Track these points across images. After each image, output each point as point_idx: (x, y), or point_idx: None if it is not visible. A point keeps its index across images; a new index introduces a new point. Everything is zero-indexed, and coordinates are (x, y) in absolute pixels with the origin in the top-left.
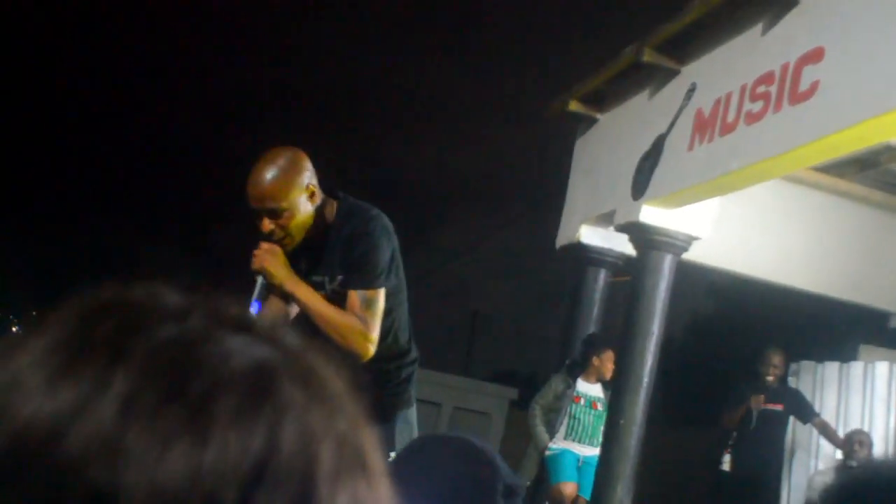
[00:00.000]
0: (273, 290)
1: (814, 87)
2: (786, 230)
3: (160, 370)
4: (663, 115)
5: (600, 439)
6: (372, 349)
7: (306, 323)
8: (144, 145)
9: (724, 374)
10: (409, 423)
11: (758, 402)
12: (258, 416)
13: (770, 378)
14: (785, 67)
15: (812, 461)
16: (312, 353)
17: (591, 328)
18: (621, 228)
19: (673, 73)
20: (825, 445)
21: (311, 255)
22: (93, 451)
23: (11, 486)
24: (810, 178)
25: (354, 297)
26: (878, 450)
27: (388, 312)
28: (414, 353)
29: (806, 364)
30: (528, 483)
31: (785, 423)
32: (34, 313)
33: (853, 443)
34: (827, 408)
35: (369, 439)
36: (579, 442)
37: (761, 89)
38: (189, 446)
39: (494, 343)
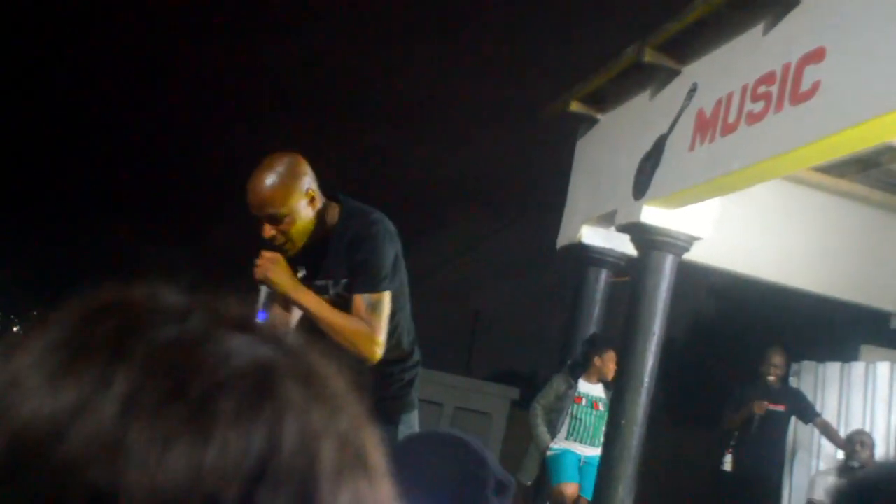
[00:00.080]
0: (277, 298)
1: (815, 88)
2: (787, 230)
3: (160, 370)
4: (664, 115)
5: (602, 439)
6: (379, 352)
7: (310, 329)
8: (145, 145)
9: (726, 374)
10: (412, 426)
11: (760, 408)
12: (259, 416)
13: (771, 378)
14: (786, 67)
15: (813, 461)
16: (313, 353)
17: (593, 328)
18: (622, 229)
19: (674, 74)
20: (826, 446)
21: (313, 259)
22: (93, 451)
23: (11, 486)
24: (811, 178)
25: (360, 300)
26: (880, 450)
27: (391, 315)
28: (417, 356)
29: (807, 364)
30: (530, 483)
31: (786, 424)
32: (35, 313)
33: (854, 443)
34: (828, 408)
35: (371, 438)
36: (581, 442)
37: (762, 89)
38: (190, 446)
39: (495, 343)
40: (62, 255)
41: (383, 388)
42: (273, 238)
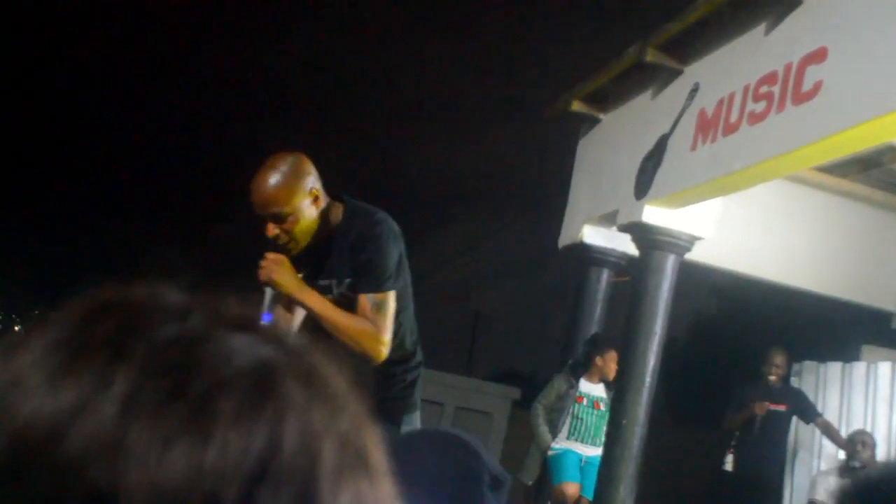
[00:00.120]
0: (281, 299)
1: (817, 88)
2: (788, 230)
3: (161, 370)
4: (666, 115)
5: (603, 439)
6: (385, 352)
7: (313, 329)
8: (146, 145)
9: (727, 374)
10: (414, 427)
11: (762, 408)
12: (259, 416)
13: (772, 378)
14: (788, 67)
15: (814, 461)
16: (314, 352)
17: (594, 328)
18: (624, 228)
19: (676, 73)
20: (828, 446)
21: (316, 258)
22: (93, 451)
23: (11, 486)
24: (813, 178)
25: (364, 300)
26: (881, 450)
27: (395, 314)
28: (419, 357)
29: (808, 364)
30: (531, 483)
31: (788, 424)
32: (37, 313)
33: (856, 443)
34: (829, 408)
35: (372, 438)
36: (582, 442)
37: (764, 89)
38: (190, 446)
39: (496, 343)
40: (63, 254)
41: (386, 388)
42: (276, 237)
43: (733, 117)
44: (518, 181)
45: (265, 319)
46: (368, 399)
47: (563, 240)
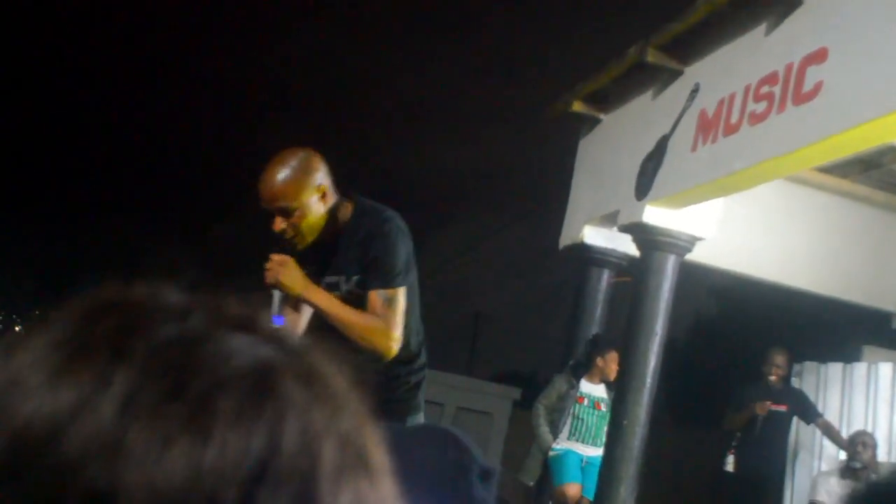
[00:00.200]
0: (289, 300)
1: (817, 88)
2: (789, 231)
3: (160, 370)
4: (667, 115)
5: (603, 440)
6: (396, 348)
7: (320, 327)
8: (146, 144)
9: (728, 374)
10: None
11: (763, 408)
12: (259, 416)
13: (773, 378)
14: (789, 68)
15: (815, 462)
16: (315, 352)
17: (595, 328)
18: (625, 229)
19: (676, 74)
20: (828, 446)
21: (325, 255)
22: (92, 451)
23: (11, 486)
24: (814, 178)
25: (375, 296)
26: (882, 451)
27: (405, 313)
28: (423, 359)
29: (809, 365)
30: (532, 483)
31: (788, 424)
32: (37, 313)
33: (856, 444)
34: (830, 408)
35: (372, 438)
36: (582, 442)
37: (765, 90)
38: (189, 446)
39: (497, 343)
40: (64, 254)
41: (390, 390)
42: (283, 231)
43: (734, 118)
44: (519, 181)
45: (276, 322)
46: (371, 400)
47: (564, 240)
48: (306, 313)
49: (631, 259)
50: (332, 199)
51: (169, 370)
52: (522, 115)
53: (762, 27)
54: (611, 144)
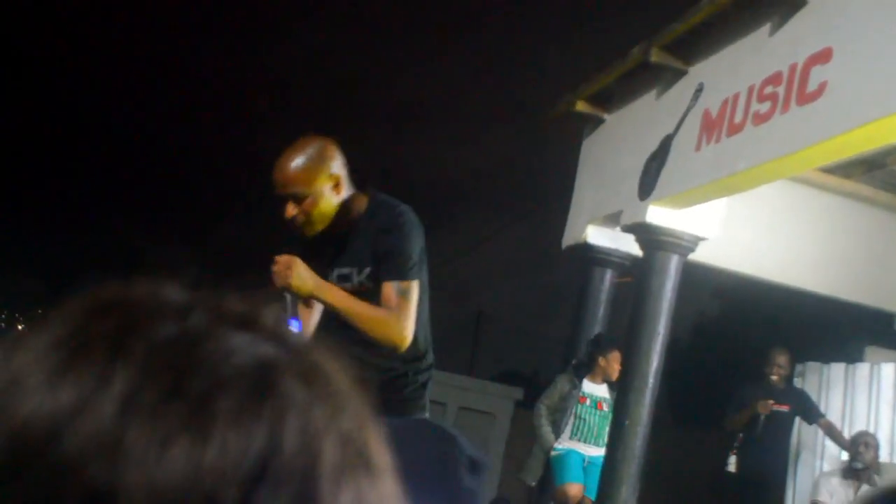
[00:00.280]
0: (303, 300)
1: (822, 88)
2: (792, 231)
3: (160, 368)
4: (670, 115)
5: (605, 440)
6: (408, 340)
7: (329, 322)
8: (149, 144)
9: (730, 375)
10: None
11: (765, 408)
12: (259, 415)
13: (774, 378)
14: (793, 68)
15: (817, 462)
16: (316, 350)
17: (597, 328)
18: (628, 229)
19: (680, 74)
20: (830, 447)
21: (338, 246)
22: (92, 451)
23: (10, 486)
24: (817, 178)
25: (389, 288)
26: (884, 451)
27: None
28: (430, 359)
29: (812, 365)
30: (534, 483)
31: (791, 424)
32: (39, 311)
33: (859, 444)
34: (832, 409)
35: (374, 437)
36: (584, 442)
37: (769, 90)
38: (189, 445)
39: (499, 343)
40: (67, 253)
41: (397, 389)
42: (294, 218)
43: (738, 118)
44: (521, 181)
45: (291, 324)
46: (377, 399)
47: (567, 240)
48: (318, 308)
49: (634, 259)
50: (345, 189)
51: (169, 369)
52: (525, 114)
53: (766, 27)
54: (614, 144)
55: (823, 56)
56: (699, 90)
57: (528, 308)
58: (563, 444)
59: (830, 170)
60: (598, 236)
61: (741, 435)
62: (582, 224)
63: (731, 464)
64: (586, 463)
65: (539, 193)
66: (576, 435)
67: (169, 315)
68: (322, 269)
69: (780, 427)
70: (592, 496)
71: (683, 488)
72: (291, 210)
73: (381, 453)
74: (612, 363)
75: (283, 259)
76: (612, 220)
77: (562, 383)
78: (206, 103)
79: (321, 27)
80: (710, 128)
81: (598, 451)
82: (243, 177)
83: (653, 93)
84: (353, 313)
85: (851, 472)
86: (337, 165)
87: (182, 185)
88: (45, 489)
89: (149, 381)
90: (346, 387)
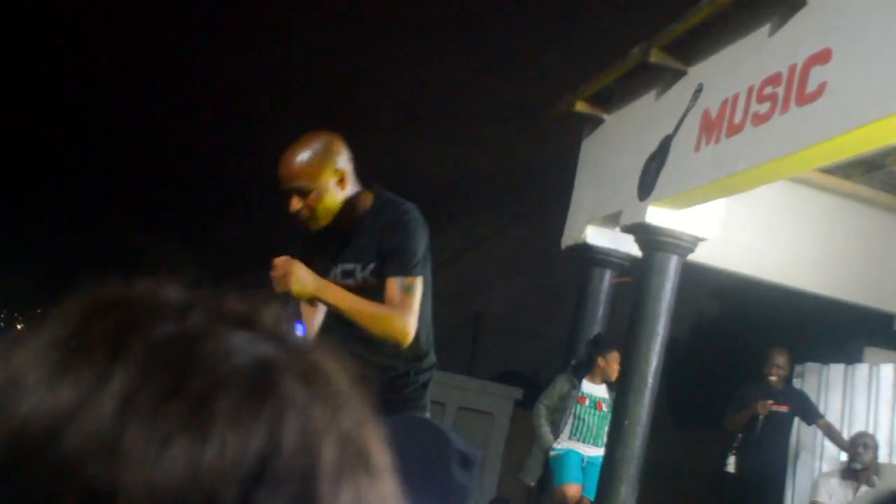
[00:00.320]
0: (306, 301)
1: (821, 89)
2: (792, 232)
3: (159, 368)
4: (670, 115)
5: (605, 440)
6: (411, 335)
7: (335, 316)
8: (149, 142)
9: (729, 375)
10: None
11: (764, 408)
12: (258, 415)
13: (773, 378)
14: (792, 68)
15: (816, 463)
16: (316, 349)
17: (597, 329)
18: (627, 229)
19: (680, 74)
20: (829, 447)
21: (342, 241)
22: (90, 450)
23: (8, 485)
24: (817, 179)
25: (393, 283)
26: (883, 452)
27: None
28: (432, 359)
29: (811, 366)
30: (533, 483)
31: (790, 425)
32: (39, 311)
33: (857, 445)
34: (832, 409)
35: (374, 437)
36: (584, 442)
37: (768, 90)
38: (188, 445)
39: (498, 343)
40: (66, 252)
41: (398, 389)
42: (298, 212)
43: (737, 118)
44: (521, 181)
45: (298, 329)
46: (378, 398)
47: (566, 240)
48: (322, 308)
49: (633, 259)
50: (350, 184)
51: (168, 369)
52: (525, 114)
53: (766, 28)
54: (614, 144)
55: (823, 56)
56: (699, 90)
57: (528, 308)
58: (562, 444)
59: (830, 170)
60: (598, 236)
61: (740, 435)
62: (581, 224)
63: (731, 464)
64: (585, 463)
65: (539, 193)
66: (575, 435)
67: (168, 314)
68: (326, 264)
69: (780, 427)
70: (591, 496)
71: (682, 488)
72: (296, 204)
73: (381, 453)
74: (612, 363)
75: (280, 263)
76: (611, 220)
77: (561, 383)
78: (206, 102)
79: (321, 27)
80: (710, 128)
81: (597, 451)
82: (243, 176)
83: (652, 93)
84: (355, 312)
85: (850, 473)
86: (343, 160)
87: (182, 185)
88: (45, 489)
89: (148, 381)
90: (345, 386)
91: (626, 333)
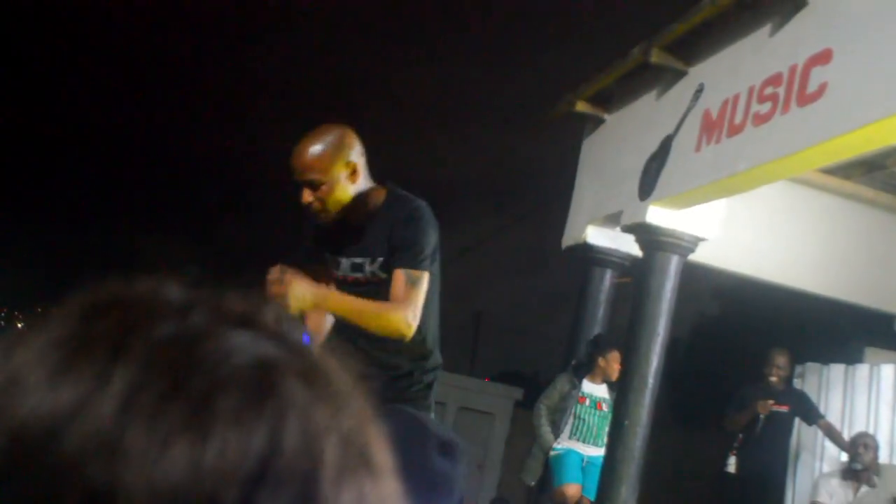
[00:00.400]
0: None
1: (822, 89)
2: (792, 232)
3: (160, 367)
4: (671, 115)
5: (605, 440)
6: (413, 328)
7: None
8: (150, 141)
9: (730, 375)
10: None
11: (764, 408)
12: (259, 415)
13: (773, 379)
14: (793, 69)
15: (817, 463)
16: (318, 349)
17: (597, 329)
18: (628, 229)
19: (681, 74)
20: (830, 447)
21: (354, 236)
22: (91, 450)
23: (9, 486)
24: (817, 179)
25: (400, 275)
26: (884, 452)
27: (423, 306)
28: (437, 359)
29: (811, 366)
30: (533, 483)
31: (790, 425)
32: (39, 309)
33: (858, 445)
34: (832, 410)
35: (376, 436)
36: (584, 442)
37: (769, 90)
38: (189, 445)
39: (499, 343)
40: (67, 250)
41: (402, 388)
42: (310, 205)
43: (738, 118)
44: (521, 181)
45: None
46: (381, 398)
47: (567, 240)
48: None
49: (634, 259)
50: (362, 178)
51: (169, 368)
52: (525, 114)
53: (767, 28)
54: (614, 144)
55: (824, 57)
56: (699, 91)
57: (528, 308)
58: (563, 444)
59: (830, 171)
60: (598, 236)
61: (741, 435)
62: (582, 224)
63: (731, 464)
64: (585, 463)
65: (539, 193)
66: (575, 435)
67: (169, 314)
68: (337, 257)
69: (780, 428)
70: (591, 496)
71: (683, 489)
72: (307, 197)
73: (383, 453)
74: (612, 363)
75: (275, 278)
76: (612, 220)
77: (561, 383)
78: (207, 103)
79: (321, 27)
80: (711, 128)
81: (598, 451)
82: (244, 176)
83: (653, 93)
84: (356, 314)
85: (851, 474)
86: (355, 154)
87: (183, 184)
88: (45, 489)
89: (149, 381)
90: (347, 386)
91: (626, 333)
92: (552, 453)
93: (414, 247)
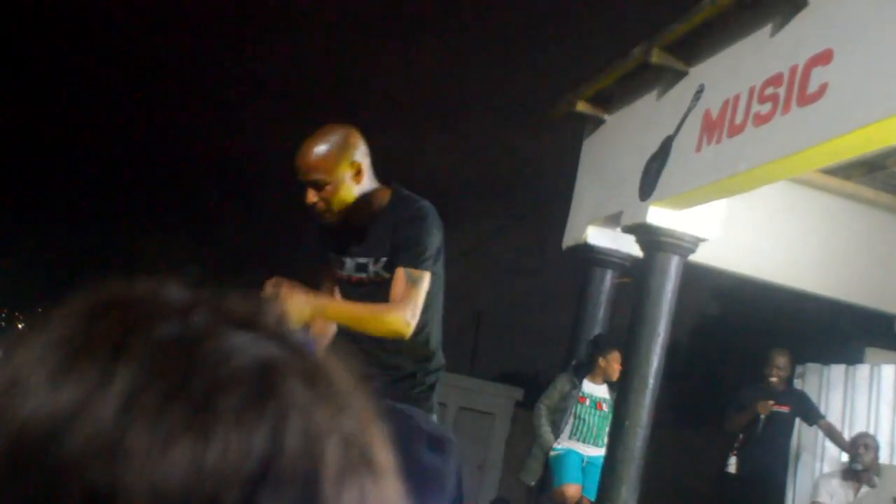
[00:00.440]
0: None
1: (822, 89)
2: (793, 232)
3: (161, 368)
4: (671, 116)
5: (605, 440)
6: (412, 326)
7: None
8: (150, 141)
9: (730, 376)
10: None
11: (765, 408)
12: (261, 416)
13: (774, 379)
14: (793, 69)
15: (817, 464)
16: (319, 350)
17: (598, 329)
18: (628, 229)
19: (681, 74)
20: (830, 448)
21: (358, 236)
22: (92, 451)
23: (10, 486)
24: (818, 180)
25: (401, 273)
26: (884, 453)
27: (426, 307)
28: (440, 361)
29: (812, 366)
30: (533, 483)
31: (791, 426)
32: (40, 309)
33: (858, 446)
34: (833, 410)
35: (377, 437)
36: (584, 442)
37: (770, 91)
38: (190, 446)
39: (499, 343)
40: (68, 251)
41: (403, 390)
42: (314, 205)
43: (738, 119)
44: (521, 181)
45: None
46: (383, 399)
47: (567, 240)
48: None
49: (634, 260)
50: (367, 178)
51: (170, 369)
52: (525, 114)
53: (767, 28)
54: (615, 145)
55: (824, 57)
56: (700, 91)
57: (529, 308)
58: (563, 444)
59: (831, 171)
60: (599, 237)
61: (741, 436)
62: (582, 224)
63: (732, 465)
64: (585, 463)
65: (539, 193)
66: (575, 435)
67: (170, 314)
68: (342, 258)
69: (781, 428)
70: (591, 496)
71: (683, 489)
72: (312, 197)
73: (384, 453)
74: (612, 363)
75: (272, 292)
76: (612, 220)
77: (562, 383)
78: (208, 103)
79: (321, 27)
80: (711, 129)
81: (598, 452)
82: (245, 175)
83: (653, 93)
84: (356, 320)
85: (851, 474)
86: (360, 154)
87: (183, 184)
88: (46, 490)
89: (150, 381)
90: (348, 387)
91: (626, 334)
92: (552, 453)
93: (416, 246)
